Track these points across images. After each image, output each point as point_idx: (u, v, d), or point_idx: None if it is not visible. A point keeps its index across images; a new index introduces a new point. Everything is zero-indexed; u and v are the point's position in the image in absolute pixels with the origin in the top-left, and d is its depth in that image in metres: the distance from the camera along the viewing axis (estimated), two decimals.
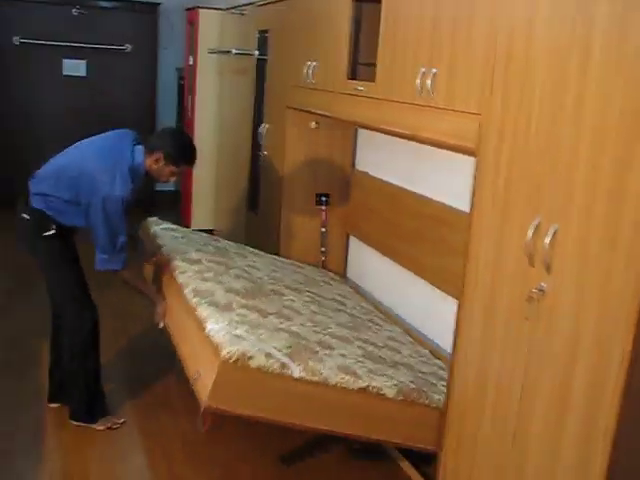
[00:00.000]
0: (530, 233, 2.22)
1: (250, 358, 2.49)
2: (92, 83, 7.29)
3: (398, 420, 2.80)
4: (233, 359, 2.46)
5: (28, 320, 4.37)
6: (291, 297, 3.46)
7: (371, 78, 3.35)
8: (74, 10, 7.00)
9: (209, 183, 6.56)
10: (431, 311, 3.71)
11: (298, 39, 4.27)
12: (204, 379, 2.53)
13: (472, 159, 2.57)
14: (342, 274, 4.65)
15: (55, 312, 3.30)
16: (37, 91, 7.13)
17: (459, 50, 2.66)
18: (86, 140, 3.25)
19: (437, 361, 3.31)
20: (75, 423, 3.25)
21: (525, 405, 2.29)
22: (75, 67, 7.20)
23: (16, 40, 6.91)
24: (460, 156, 2.84)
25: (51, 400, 3.39)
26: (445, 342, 3.26)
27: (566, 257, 2.10)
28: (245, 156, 5.40)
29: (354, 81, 3.59)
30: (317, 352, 2.78)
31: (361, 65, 3.73)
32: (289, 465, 3.03)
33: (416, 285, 3.82)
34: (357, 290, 4.32)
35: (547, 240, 2.15)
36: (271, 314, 3.04)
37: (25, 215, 3.12)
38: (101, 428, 3.24)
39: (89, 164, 3.05)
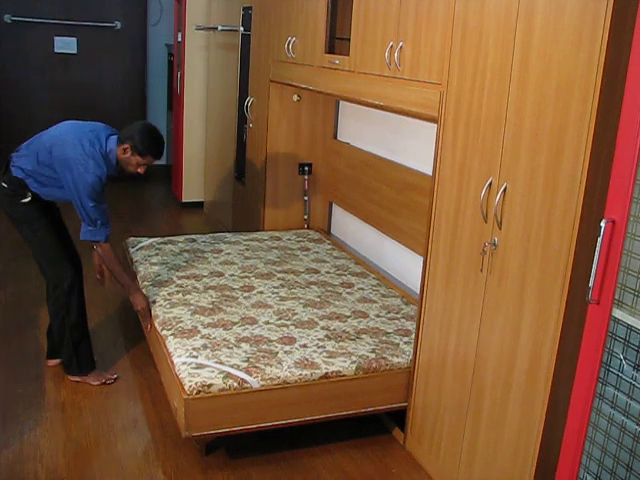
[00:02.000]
0: (484, 192, 2.44)
1: (210, 386, 2.75)
2: (83, 60, 7.45)
3: (363, 392, 3.01)
4: (195, 392, 2.73)
5: (26, 286, 4.61)
6: (260, 288, 3.74)
7: (346, 52, 3.55)
8: None
9: (199, 156, 6.76)
10: (405, 268, 3.96)
11: (279, 15, 4.45)
12: (179, 412, 2.80)
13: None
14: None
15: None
16: (29, 68, 7.28)
17: (422, 24, 2.86)
18: (68, 123, 3.43)
19: (407, 309, 3.55)
20: (72, 378, 3.49)
21: (481, 349, 2.53)
22: (66, 44, 7.36)
23: (7, 18, 7.05)
24: (432, 125, 3.05)
25: (49, 357, 3.64)
26: (417, 288, 3.44)
27: (514, 213, 2.33)
28: (232, 129, 5.59)
29: (331, 55, 3.79)
30: (276, 353, 3.02)
31: (338, 40, 3.91)
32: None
33: (393, 248, 4.07)
34: (336, 244, 4.57)
35: (498, 197, 2.37)
36: (235, 323, 3.29)
37: (4, 184, 3.34)
38: (96, 383, 3.48)
39: (68, 146, 3.25)
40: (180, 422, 2.79)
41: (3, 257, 5.21)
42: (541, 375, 2.23)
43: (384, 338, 3.22)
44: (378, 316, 3.45)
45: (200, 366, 2.86)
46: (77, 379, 3.49)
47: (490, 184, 2.42)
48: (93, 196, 3.21)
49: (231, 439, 3.04)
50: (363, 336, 3.23)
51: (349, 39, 3.50)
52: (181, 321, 3.28)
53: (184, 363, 2.89)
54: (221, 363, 2.89)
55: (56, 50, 7.33)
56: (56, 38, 7.29)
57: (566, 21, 2.06)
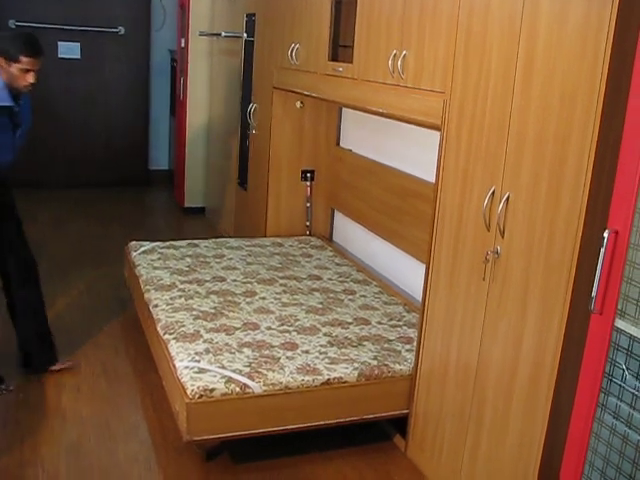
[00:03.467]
0: (487, 200, 2.45)
1: (212, 390, 2.75)
2: (87, 66, 7.46)
3: (365, 399, 3.01)
4: (197, 396, 2.73)
5: None
6: (262, 294, 3.74)
7: (350, 60, 3.56)
8: None
9: (201, 162, 6.77)
10: (408, 275, 3.96)
11: (282, 22, 4.47)
12: (180, 416, 2.80)
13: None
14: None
15: None
16: None
17: (425, 33, 2.87)
18: None
19: (410, 316, 3.55)
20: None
21: (483, 357, 2.53)
22: (70, 50, 7.37)
23: (12, 23, 7.06)
24: (436, 133, 3.06)
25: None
26: (419, 295, 3.46)
27: (517, 221, 2.33)
28: (235, 135, 5.60)
29: (334, 62, 3.80)
30: (278, 359, 3.02)
31: (341, 47, 3.93)
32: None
33: (395, 255, 4.07)
34: (339, 252, 4.57)
35: (501, 206, 2.38)
36: (238, 329, 3.29)
37: None
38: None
39: None
40: (182, 426, 2.79)
41: None
42: (543, 384, 2.23)
43: (386, 345, 3.22)
44: (380, 323, 3.45)
45: (202, 370, 2.86)
46: None
47: (493, 192, 2.43)
48: None
49: (233, 445, 3.04)
50: (365, 343, 3.23)
51: (353, 47, 3.51)
52: (183, 325, 3.28)
53: (186, 367, 2.89)
54: (223, 368, 2.89)
55: (59, 55, 7.35)
56: (59, 43, 7.31)
57: (570, 30, 2.07)
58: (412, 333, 3.33)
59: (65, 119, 7.48)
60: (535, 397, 2.27)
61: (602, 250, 1.89)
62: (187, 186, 6.85)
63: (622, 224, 1.85)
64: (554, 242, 2.16)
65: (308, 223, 4.81)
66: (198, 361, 2.93)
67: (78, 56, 7.42)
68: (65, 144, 7.54)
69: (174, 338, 3.16)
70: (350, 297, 3.77)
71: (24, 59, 3.05)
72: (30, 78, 3.10)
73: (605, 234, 1.88)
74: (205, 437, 2.81)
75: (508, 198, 2.35)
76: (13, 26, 7.06)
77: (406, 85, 3.00)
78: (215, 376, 2.82)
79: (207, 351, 3.03)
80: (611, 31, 1.91)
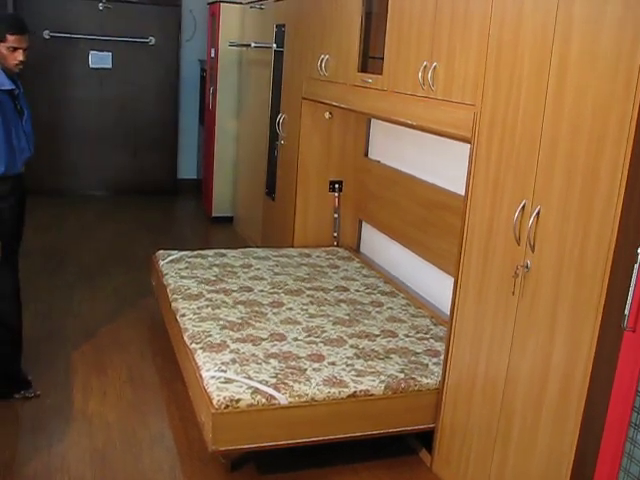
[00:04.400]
0: (517, 214, 2.43)
1: (238, 401, 2.75)
2: (118, 75, 7.55)
3: (391, 412, 2.99)
4: (223, 406, 2.73)
5: (56, 299, 4.67)
6: (289, 305, 3.74)
7: (379, 71, 3.56)
8: (100, 5, 7.26)
9: (229, 171, 6.81)
10: (436, 289, 3.93)
11: (312, 33, 4.48)
12: (206, 426, 2.80)
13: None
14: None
15: None
16: (66, 83, 7.41)
17: (456, 45, 2.86)
18: None
19: (437, 330, 3.52)
20: None
21: (511, 372, 2.50)
22: (102, 59, 7.47)
23: (46, 34, 7.18)
24: (464, 145, 3.04)
25: None
26: (446, 308, 3.41)
27: (547, 236, 2.30)
28: (263, 145, 5.62)
29: (364, 74, 3.80)
30: (305, 370, 3.01)
31: (371, 58, 3.93)
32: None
33: (423, 268, 4.05)
34: (366, 262, 4.55)
35: (531, 220, 2.35)
36: (264, 339, 3.30)
37: None
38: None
39: None
40: (207, 436, 2.79)
41: (33, 270, 5.26)
42: (573, 400, 2.19)
43: (413, 358, 3.20)
44: (407, 336, 3.43)
45: (228, 381, 2.86)
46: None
47: (523, 206, 2.40)
48: None
49: (258, 455, 3.03)
50: (392, 355, 3.21)
51: (382, 58, 3.51)
52: (210, 335, 3.29)
53: (212, 377, 2.89)
54: (249, 378, 2.89)
55: (91, 65, 7.45)
56: (91, 52, 7.41)
57: (603, 42, 2.05)
58: (439, 346, 3.30)
59: (96, 127, 7.58)
60: (564, 414, 2.23)
61: (636, 267, 1.86)
62: (215, 195, 6.89)
63: None
64: (585, 257, 2.13)
65: (336, 234, 4.81)
66: (225, 371, 2.94)
67: (110, 65, 7.51)
68: (95, 152, 7.64)
69: (201, 348, 3.16)
70: (377, 309, 3.76)
71: (10, 37, 3.11)
72: (19, 56, 3.15)
73: (639, 250, 1.85)
74: (230, 447, 2.81)
75: (539, 212, 2.33)
76: (47, 37, 7.18)
77: (436, 97, 2.99)
78: (241, 387, 2.82)
79: (233, 361, 3.03)
80: None
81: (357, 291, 4.02)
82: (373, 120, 4.76)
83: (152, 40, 7.59)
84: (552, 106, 2.26)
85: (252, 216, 6.06)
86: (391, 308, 3.78)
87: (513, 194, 2.47)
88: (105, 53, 7.47)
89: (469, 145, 2.75)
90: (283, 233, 5.03)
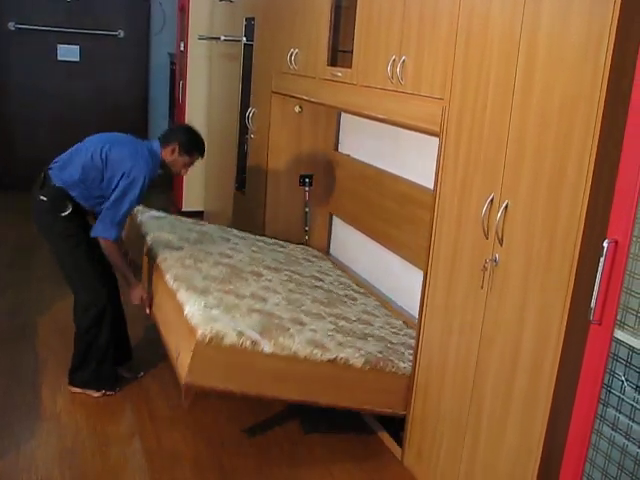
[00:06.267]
0: (485, 208, 2.43)
1: (223, 337, 2.69)
2: (86, 68, 7.44)
3: (367, 388, 3.00)
4: (207, 339, 2.66)
5: (26, 294, 4.60)
6: (269, 277, 3.68)
7: (349, 65, 3.54)
8: None
9: (199, 165, 6.72)
10: (406, 284, 3.93)
11: (282, 26, 4.45)
12: (183, 358, 2.73)
13: None
14: (325, 251, 4.86)
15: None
16: (33, 76, 7.28)
17: (425, 39, 2.86)
18: (103, 134, 3.44)
19: (409, 330, 3.51)
20: (73, 389, 3.46)
21: (481, 366, 2.51)
22: (69, 52, 7.36)
23: (12, 25, 7.05)
24: (435, 139, 3.04)
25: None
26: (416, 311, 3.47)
27: (515, 230, 2.31)
28: (233, 139, 5.58)
29: (333, 67, 3.79)
30: (288, 329, 2.98)
31: (340, 52, 3.91)
32: (253, 435, 3.23)
33: (393, 262, 4.05)
34: (338, 265, 4.53)
35: (499, 214, 2.36)
36: (246, 296, 3.24)
37: (42, 197, 3.29)
38: (96, 395, 3.46)
39: (114, 151, 3.26)
40: (182, 368, 2.70)
41: (2, 264, 5.19)
42: (541, 394, 2.21)
43: (389, 345, 3.20)
44: (382, 328, 3.42)
45: (215, 318, 2.79)
46: (78, 390, 3.46)
47: (492, 200, 2.41)
48: (135, 198, 3.23)
49: (225, 446, 3.01)
50: (369, 339, 3.20)
51: (352, 52, 3.50)
52: (194, 280, 3.20)
53: (198, 310, 2.82)
54: (236, 320, 2.84)
55: (59, 58, 7.33)
56: (59, 46, 7.29)
57: (570, 39, 2.05)
58: (413, 342, 3.30)
59: (63, 121, 7.46)
60: (533, 406, 2.25)
61: (602, 260, 1.87)
62: (185, 189, 6.83)
63: (622, 234, 1.83)
64: (553, 251, 2.15)
65: (307, 228, 4.79)
66: (210, 309, 2.87)
67: (77, 59, 7.40)
68: (64, 145, 7.48)
69: (185, 288, 3.07)
70: (352, 302, 3.74)
71: (195, 156, 3.53)
72: (186, 171, 3.57)
73: (605, 244, 1.86)
74: (204, 384, 2.76)
75: (507, 206, 2.34)
76: (13, 28, 7.05)
77: (405, 91, 2.98)
78: (228, 325, 2.75)
79: (218, 305, 2.96)
80: (611, 42, 1.90)
81: (331, 284, 4.00)
82: (343, 114, 4.75)
83: (121, 33, 7.49)
84: (520, 101, 2.27)
85: (223, 210, 6.02)
86: (365, 304, 3.77)
87: (481, 188, 2.48)
88: (73, 46, 7.35)
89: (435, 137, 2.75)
90: (254, 227, 4.99)
